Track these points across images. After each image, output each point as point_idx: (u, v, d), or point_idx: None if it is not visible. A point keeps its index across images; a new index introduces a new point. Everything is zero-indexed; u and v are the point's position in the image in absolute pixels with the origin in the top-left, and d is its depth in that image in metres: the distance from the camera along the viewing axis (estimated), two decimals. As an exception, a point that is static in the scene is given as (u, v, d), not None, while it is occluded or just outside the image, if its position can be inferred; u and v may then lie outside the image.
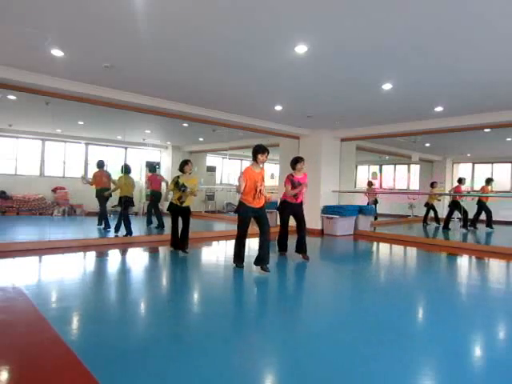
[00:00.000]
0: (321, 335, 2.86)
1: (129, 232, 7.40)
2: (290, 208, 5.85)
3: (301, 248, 5.81)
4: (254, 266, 4.91)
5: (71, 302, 3.48)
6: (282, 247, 6.12)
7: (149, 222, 9.20)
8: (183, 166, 6.08)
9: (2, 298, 3.44)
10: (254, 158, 4.86)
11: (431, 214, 11.65)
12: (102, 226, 8.20)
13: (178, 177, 6.02)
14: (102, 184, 8.09)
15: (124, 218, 7.42)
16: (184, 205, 6.01)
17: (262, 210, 4.91)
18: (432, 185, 11.50)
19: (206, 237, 8.36)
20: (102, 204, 8.15)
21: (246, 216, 4.89)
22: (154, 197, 9.18)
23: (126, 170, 7.97)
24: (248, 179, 4.76)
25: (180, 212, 6.07)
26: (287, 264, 5.52)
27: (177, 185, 5.95)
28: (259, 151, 4.81)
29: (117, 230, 7.58)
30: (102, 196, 8.00)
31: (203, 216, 12.99)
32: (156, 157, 13.49)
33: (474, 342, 2.90)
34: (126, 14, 3.44)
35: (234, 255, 5.05)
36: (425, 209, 11.70)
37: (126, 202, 7.53)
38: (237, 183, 4.94)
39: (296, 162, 5.88)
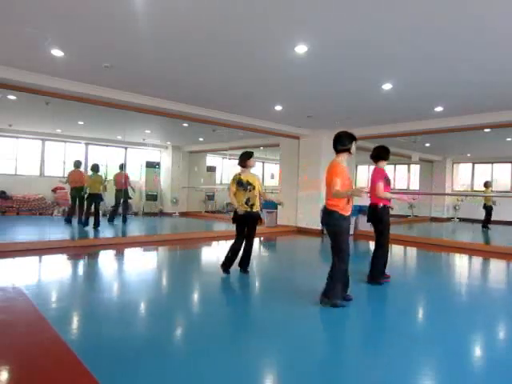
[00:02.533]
0: (322, 336, 2.86)
1: (96, 224, 8.31)
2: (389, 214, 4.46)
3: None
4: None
5: (71, 302, 3.48)
6: (382, 272, 4.50)
7: (124, 220, 9.84)
8: (247, 159, 4.70)
9: (2, 297, 3.44)
10: (345, 149, 3.62)
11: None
12: (91, 225, 8.52)
13: (240, 174, 4.71)
14: (78, 183, 8.52)
15: (95, 213, 8.31)
16: (254, 209, 4.65)
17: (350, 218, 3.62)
18: (486, 184, 10.81)
19: (207, 237, 8.35)
20: (81, 202, 8.61)
21: (346, 229, 3.50)
22: (122, 195, 9.71)
23: (94, 168, 8.58)
24: (346, 178, 3.51)
25: (250, 219, 4.65)
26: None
27: (240, 184, 4.61)
28: (354, 138, 3.64)
29: (97, 225, 8.35)
30: (79, 195, 8.49)
31: (203, 216, 13.00)
32: (156, 157, 13.50)
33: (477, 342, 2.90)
34: (127, 14, 3.44)
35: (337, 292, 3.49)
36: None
37: (94, 199, 8.30)
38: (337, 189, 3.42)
39: (388, 151, 4.55)
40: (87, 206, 8.43)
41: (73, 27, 3.79)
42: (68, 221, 8.73)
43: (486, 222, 10.77)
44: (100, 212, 8.58)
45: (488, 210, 10.71)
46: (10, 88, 5.43)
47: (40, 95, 5.75)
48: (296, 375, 2.21)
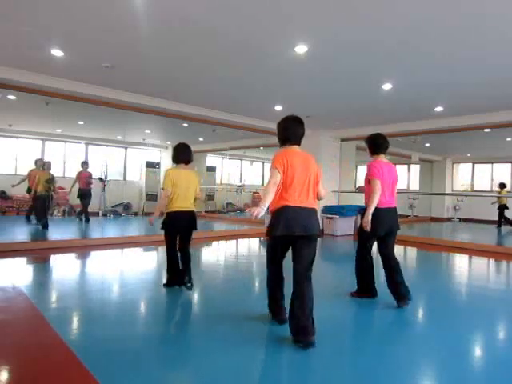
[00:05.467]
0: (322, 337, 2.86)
1: (39, 221, 7.88)
2: (387, 220, 3.54)
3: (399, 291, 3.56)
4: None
5: (71, 301, 3.48)
6: (372, 290, 3.80)
7: (86, 220, 9.26)
8: (189, 153, 4.04)
9: (2, 297, 3.43)
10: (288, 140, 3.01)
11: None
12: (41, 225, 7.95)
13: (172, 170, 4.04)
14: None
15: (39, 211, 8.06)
16: (189, 208, 4.17)
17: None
18: (502, 186, 11.13)
19: (207, 237, 8.34)
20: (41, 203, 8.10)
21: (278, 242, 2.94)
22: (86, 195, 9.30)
23: (43, 167, 8.15)
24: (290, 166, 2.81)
25: (184, 222, 4.12)
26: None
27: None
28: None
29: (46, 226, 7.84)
30: (40, 195, 8.08)
31: (203, 216, 12.99)
32: (156, 157, 13.51)
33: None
34: (127, 14, 3.44)
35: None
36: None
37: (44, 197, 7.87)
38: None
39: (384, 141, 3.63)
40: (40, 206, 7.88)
41: (73, 27, 3.79)
42: (28, 219, 8.60)
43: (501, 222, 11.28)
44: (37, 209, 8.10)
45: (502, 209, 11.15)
46: (9, 88, 5.43)
47: (40, 95, 5.76)
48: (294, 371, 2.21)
